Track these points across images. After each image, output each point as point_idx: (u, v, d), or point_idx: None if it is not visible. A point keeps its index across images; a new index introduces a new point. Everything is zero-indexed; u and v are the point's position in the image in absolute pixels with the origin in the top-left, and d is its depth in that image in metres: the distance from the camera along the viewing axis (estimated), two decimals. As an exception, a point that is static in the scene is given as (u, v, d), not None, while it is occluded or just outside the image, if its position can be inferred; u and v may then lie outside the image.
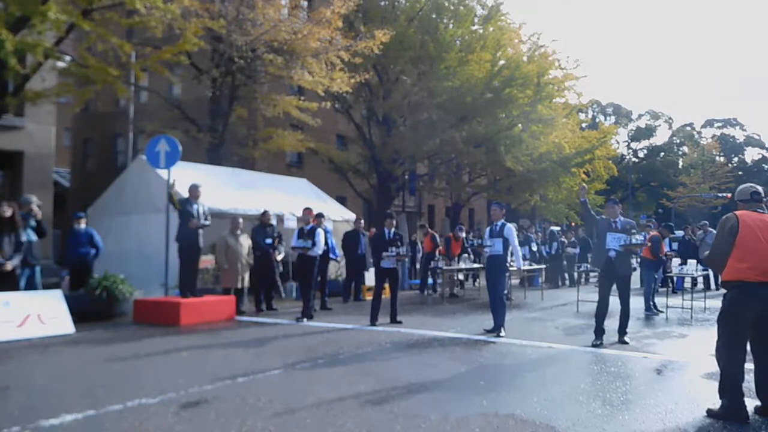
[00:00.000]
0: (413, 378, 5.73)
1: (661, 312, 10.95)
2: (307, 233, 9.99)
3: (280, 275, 12.51)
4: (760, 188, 4.98)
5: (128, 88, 14.55)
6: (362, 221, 13.93)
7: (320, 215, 12.09)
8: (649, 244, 11.42)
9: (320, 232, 10.03)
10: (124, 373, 6.00)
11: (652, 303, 11.06)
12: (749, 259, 4.53)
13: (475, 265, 14.17)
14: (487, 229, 8.94)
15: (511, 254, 8.82)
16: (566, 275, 17.98)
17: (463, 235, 15.51)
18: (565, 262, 17.95)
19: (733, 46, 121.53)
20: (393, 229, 9.66)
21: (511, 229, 8.57)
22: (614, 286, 7.85)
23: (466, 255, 14.40)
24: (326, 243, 11.69)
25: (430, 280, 15.46)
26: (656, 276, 11.54)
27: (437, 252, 15.05)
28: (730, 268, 4.63)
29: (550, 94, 21.98)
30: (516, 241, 8.66)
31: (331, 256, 12.35)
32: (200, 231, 9.79)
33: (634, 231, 7.84)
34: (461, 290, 15.30)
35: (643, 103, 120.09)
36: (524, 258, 14.69)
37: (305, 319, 9.74)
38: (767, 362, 4.64)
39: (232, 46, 13.90)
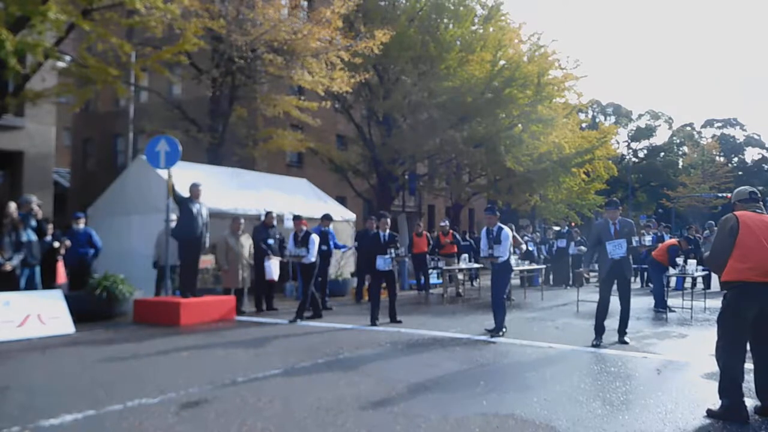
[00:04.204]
0: (413, 378, 5.73)
1: (674, 311, 10.96)
2: (301, 240, 10.00)
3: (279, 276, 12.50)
4: (756, 190, 4.98)
5: (128, 88, 14.56)
6: (374, 221, 13.82)
7: (327, 216, 12.10)
8: (663, 248, 11.44)
9: (314, 238, 10.01)
10: (124, 373, 6.00)
11: (664, 301, 11.10)
12: (749, 259, 4.53)
13: (475, 265, 14.16)
14: (483, 231, 8.70)
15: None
16: (570, 275, 17.76)
17: (446, 224, 15.37)
18: (570, 262, 17.79)
19: (733, 46, 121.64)
20: (388, 231, 9.61)
21: (507, 234, 8.46)
22: (614, 287, 7.85)
23: (465, 255, 14.36)
24: (327, 243, 11.70)
25: (434, 279, 15.45)
26: (665, 276, 11.57)
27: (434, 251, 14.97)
28: (730, 269, 4.63)
29: (550, 94, 21.94)
30: (508, 246, 8.46)
31: (342, 249, 12.41)
32: (203, 229, 9.79)
33: (643, 232, 7.82)
34: (462, 290, 15.27)
35: (643, 103, 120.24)
36: (524, 258, 14.66)
37: (298, 320, 9.76)
38: (767, 362, 4.64)
39: (232, 46, 13.90)
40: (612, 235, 7.68)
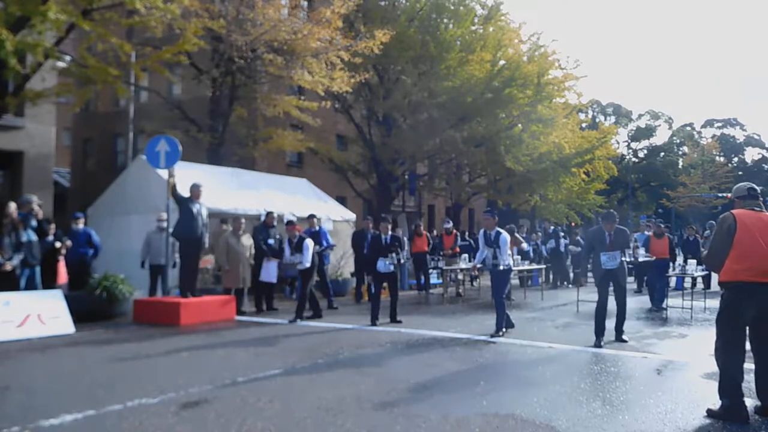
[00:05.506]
0: (413, 378, 5.73)
1: (664, 309, 10.95)
2: (295, 246, 9.98)
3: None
4: (755, 186, 4.95)
5: (128, 88, 14.55)
6: (370, 221, 13.83)
7: (312, 216, 12.14)
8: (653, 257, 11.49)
9: (308, 243, 9.98)
10: (124, 373, 6.00)
11: (659, 300, 11.15)
12: (746, 260, 4.51)
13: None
14: (481, 233, 8.77)
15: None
16: (570, 275, 17.71)
17: (450, 225, 15.37)
18: (569, 262, 17.80)
19: (733, 46, 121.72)
20: (390, 234, 9.60)
21: (506, 239, 8.46)
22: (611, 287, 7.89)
23: (465, 255, 14.34)
24: (318, 243, 11.68)
25: (435, 279, 15.44)
26: (667, 275, 11.60)
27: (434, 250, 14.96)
28: (727, 269, 4.62)
29: (550, 94, 21.95)
30: (507, 250, 8.52)
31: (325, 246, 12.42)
32: (203, 229, 9.78)
33: (636, 245, 7.83)
34: (462, 290, 15.26)
35: (643, 103, 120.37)
36: (524, 258, 14.63)
37: (298, 320, 9.77)
38: (766, 362, 4.63)
39: (232, 46, 13.89)
40: (607, 244, 7.76)
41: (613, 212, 8.17)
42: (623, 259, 7.79)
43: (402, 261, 9.68)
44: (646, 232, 15.59)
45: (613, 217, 7.99)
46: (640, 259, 10.81)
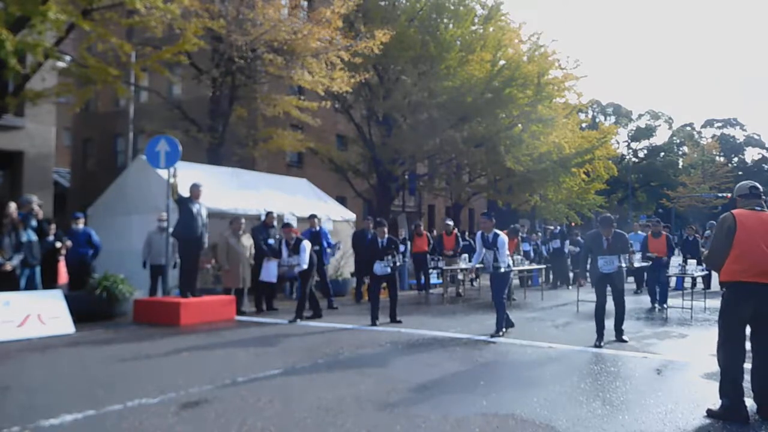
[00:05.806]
0: (413, 378, 5.73)
1: (664, 308, 10.96)
2: (292, 247, 9.98)
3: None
4: (757, 185, 4.94)
5: (128, 88, 14.55)
6: (370, 221, 13.81)
7: (312, 216, 12.14)
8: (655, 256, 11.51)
9: (305, 245, 9.97)
10: (124, 373, 6.00)
11: (659, 299, 11.19)
12: (744, 260, 4.51)
13: (477, 266, 14.10)
14: (479, 234, 8.82)
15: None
16: (570, 276, 17.67)
17: (451, 223, 15.38)
18: (569, 261, 17.77)
19: (733, 46, 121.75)
20: (386, 237, 9.60)
21: (504, 241, 8.49)
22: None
23: (465, 255, 14.34)
24: (319, 243, 11.68)
25: (435, 279, 15.42)
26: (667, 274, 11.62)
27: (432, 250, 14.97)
28: (726, 270, 4.62)
29: (550, 94, 21.95)
30: (506, 252, 8.57)
31: (332, 247, 12.41)
32: (203, 229, 9.78)
33: (632, 250, 7.84)
34: (462, 290, 15.26)
35: (643, 103, 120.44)
36: (525, 258, 14.63)
37: (298, 320, 9.77)
38: (763, 361, 4.63)
39: (232, 46, 13.89)
40: (604, 248, 7.76)
41: (609, 216, 8.13)
42: (621, 264, 7.79)
43: (399, 264, 9.69)
44: (639, 232, 15.57)
45: (610, 221, 7.96)
46: (636, 265, 10.81)
